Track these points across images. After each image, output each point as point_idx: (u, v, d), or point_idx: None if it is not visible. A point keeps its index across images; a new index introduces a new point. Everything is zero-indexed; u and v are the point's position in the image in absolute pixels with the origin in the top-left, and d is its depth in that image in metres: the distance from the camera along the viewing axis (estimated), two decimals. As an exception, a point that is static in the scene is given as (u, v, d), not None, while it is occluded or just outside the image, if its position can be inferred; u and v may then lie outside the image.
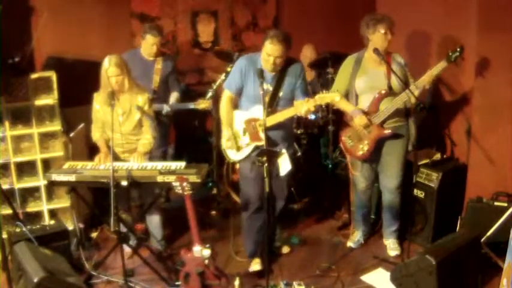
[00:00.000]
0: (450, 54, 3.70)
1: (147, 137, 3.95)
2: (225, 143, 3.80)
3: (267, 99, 3.60)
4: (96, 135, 4.01)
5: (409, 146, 4.07)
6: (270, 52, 3.52)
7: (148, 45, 4.57)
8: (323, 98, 3.49)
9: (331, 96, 3.50)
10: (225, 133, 3.80)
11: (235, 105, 3.87)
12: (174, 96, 4.77)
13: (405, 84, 3.74)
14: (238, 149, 3.79)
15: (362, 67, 3.92)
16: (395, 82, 3.83)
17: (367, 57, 3.92)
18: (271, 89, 3.64)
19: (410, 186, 3.98)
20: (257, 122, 3.69)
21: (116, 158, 3.93)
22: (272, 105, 3.65)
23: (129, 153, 3.96)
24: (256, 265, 3.96)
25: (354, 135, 4.03)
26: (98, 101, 3.91)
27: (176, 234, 4.51)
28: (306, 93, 3.77)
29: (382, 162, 4.10)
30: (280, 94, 3.67)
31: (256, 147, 3.70)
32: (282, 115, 3.62)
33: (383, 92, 3.86)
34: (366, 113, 3.92)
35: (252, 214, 3.87)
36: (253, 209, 3.85)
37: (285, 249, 4.26)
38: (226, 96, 3.83)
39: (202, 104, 4.67)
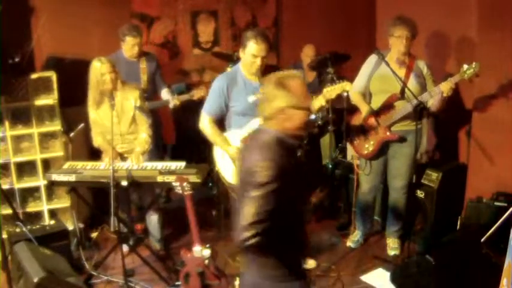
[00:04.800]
0: (464, 70, 3.61)
1: (143, 136, 3.93)
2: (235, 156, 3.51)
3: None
4: (98, 140, 3.98)
5: (418, 154, 4.07)
6: (256, 53, 3.33)
7: (129, 46, 4.51)
8: (332, 90, 3.30)
9: (342, 86, 3.31)
10: (230, 151, 3.52)
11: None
12: (167, 92, 4.75)
13: (402, 90, 3.73)
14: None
15: (381, 67, 3.90)
16: (410, 88, 3.81)
17: (389, 59, 3.89)
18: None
19: (411, 186, 3.98)
20: None
21: (123, 159, 3.93)
22: None
23: (128, 154, 3.95)
24: None
25: (362, 133, 4.04)
26: (91, 106, 3.89)
27: (176, 234, 4.51)
28: None
29: (389, 163, 4.11)
30: None
31: None
32: None
33: (394, 95, 3.86)
34: (375, 113, 3.93)
35: None
36: None
37: (310, 262, 4.03)
38: (207, 120, 3.56)
39: (197, 94, 4.61)
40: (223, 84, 3.49)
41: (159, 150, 4.86)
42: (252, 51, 3.35)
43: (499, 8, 3.89)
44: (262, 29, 3.47)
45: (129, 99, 3.87)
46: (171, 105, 4.66)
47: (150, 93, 4.66)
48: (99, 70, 3.73)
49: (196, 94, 4.62)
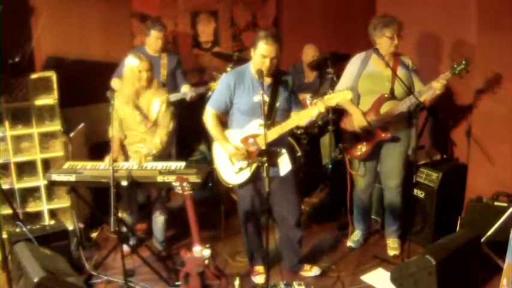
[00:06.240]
0: (455, 66, 3.63)
1: (155, 140, 3.90)
2: (236, 158, 3.52)
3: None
4: (112, 132, 3.98)
5: (409, 150, 4.07)
6: (266, 53, 3.30)
7: (153, 40, 4.69)
8: (333, 97, 3.27)
9: (343, 95, 3.27)
10: (228, 149, 3.51)
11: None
12: (186, 87, 4.87)
13: (409, 90, 3.71)
14: (240, 170, 3.56)
15: (367, 67, 3.89)
16: (399, 86, 3.80)
17: (374, 58, 3.87)
18: (267, 99, 3.38)
19: (410, 186, 3.98)
20: (257, 138, 3.44)
21: (127, 158, 3.93)
22: (270, 117, 3.42)
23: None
24: (259, 276, 3.86)
25: (353, 135, 4.03)
26: (119, 100, 3.87)
27: (176, 234, 4.51)
28: (300, 103, 3.69)
29: (382, 163, 4.10)
30: (277, 104, 3.47)
31: (258, 167, 3.46)
32: (285, 126, 3.40)
33: (384, 95, 3.85)
34: (365, 115, 3.91)
35: (251, 225, 3.81)
36: (253, 223, 3.79)
37: (314, 270, 3.96)
38: (211, 114, 3.57)
39: (213, 87, 4.60)
40: (230, 80, 3.50)
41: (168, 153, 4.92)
42: (261, 51, 3.33)
43: (499, 8, 3.89)
44: (275, 30, 3.42)
45: (157, 100, 3.88)
46: (187, 98, 4.77)
47: (170, 88, 4.76)
48: (136, 67, 3.76)
49: (212, 87, 4.63)
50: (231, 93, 3.48)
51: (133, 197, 4.20)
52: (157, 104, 3.88)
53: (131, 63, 3.77)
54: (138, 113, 3.87)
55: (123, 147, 3.97)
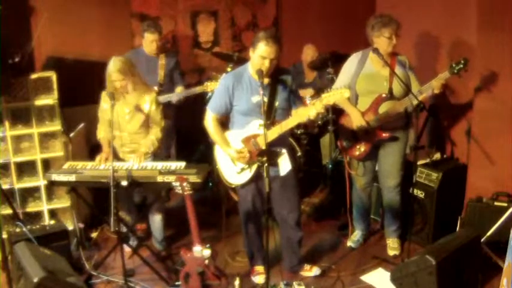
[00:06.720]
0: (453, 65, 3.64)
1: (151, 138, 3.93)
2: (239, 161, 3.53)
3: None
4: (101, 134, 4.01)
5: (407, 149, 4.07)
6: (265, 54, 3.29)
7: (147, 43, 4.69)
8: (330, 96, 3.27)
9: (340, 93, 3.27)
10: (231, 153, 3.53)
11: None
12: (178, 89, 4.88)
13: (407, 89, 3.70)
14: (242, 170, 3.57)
15: (365, 67, 3.89)
16: (397, 86, 3.80)
17: (371, 58, 3.87)
18: (265, 99, 3.37)
19: (410, 186, 3.98)
20: (258, 138, 3.45)
21: (118, 158, 3.93)
22: (270, 117, 3.43)
23: (135, 153, 3.95)
24: (259, 276, 3.87)
25: (352, 135, 4.02)
26: (106, 100, 3.88)
27: (176, 234, 4.51)
28: (301, 101, 3.68)
29: (380, 162, 4.10)
30: (276, 104, 3.46)
31: (260, 167, 3.47)
32: (285, 125, 3.41)
33: (383, 95, 3.84)
34: (364, 115, 3.91)
35: (252, 225, 3.80)
36: (254, 223, 3.78)
37: (314, 270, 3.98)
38: (212, 117, 3.57)
39: (211, 86, 4.57)
40: (229, 82, 3.49)
41: (170, 147, 4.95)
42: (261, 52, 3.31)
43: (499, 8, 3.89)
44: (274, 30, 3.41)
45: (145, 101, 3.89)
46: (173, 101, 4.74)
47: (167, 88, 4.79)
48: (110, 75, 3.75)
49: (210, 86, 4.60)
50: (229, 96, 3.48)
51: (129, 196, 4.20)
52: (147, 104, 3.89)
53: (108, 69, 3.76)
54: (128, 110, 3.86)
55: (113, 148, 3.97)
